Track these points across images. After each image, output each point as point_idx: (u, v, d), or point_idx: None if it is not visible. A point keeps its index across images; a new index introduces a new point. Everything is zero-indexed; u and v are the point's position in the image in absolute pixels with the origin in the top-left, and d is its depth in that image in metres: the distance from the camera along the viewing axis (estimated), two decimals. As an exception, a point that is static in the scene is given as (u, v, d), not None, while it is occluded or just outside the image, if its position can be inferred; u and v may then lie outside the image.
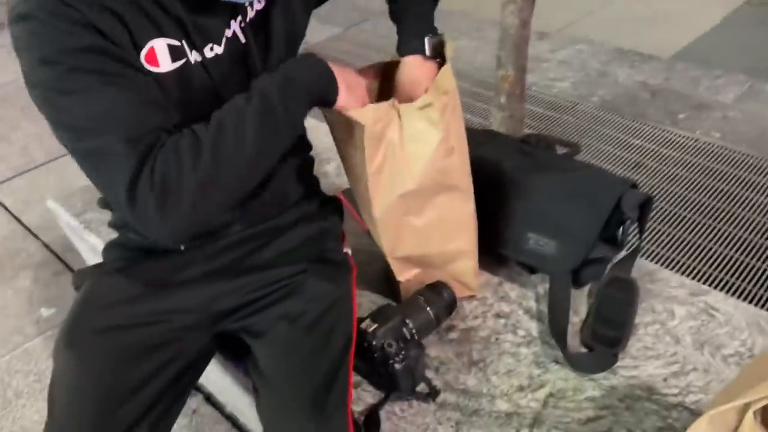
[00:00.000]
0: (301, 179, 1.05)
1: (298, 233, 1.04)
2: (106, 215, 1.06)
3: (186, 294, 0.97)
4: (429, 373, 1.07)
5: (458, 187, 1.05)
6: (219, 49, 0.86)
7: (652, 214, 1.23)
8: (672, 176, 2.08)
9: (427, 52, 1.00)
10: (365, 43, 3.19)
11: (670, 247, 1.80)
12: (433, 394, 1.02)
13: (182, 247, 0.97)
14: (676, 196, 1.99)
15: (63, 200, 1.63)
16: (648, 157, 2.18)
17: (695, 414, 0.97)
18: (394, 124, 0.94)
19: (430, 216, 1.05)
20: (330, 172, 1.63)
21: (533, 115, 2.45)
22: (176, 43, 0.82)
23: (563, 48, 2.97)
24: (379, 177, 0.97)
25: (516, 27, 1.73)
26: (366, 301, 1.22)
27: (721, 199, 1.97)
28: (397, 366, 0.98)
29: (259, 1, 0.90)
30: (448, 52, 1.00)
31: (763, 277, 1.69)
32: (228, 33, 0.87)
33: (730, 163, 2.11)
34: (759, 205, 1.92)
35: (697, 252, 1.79)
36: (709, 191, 2.00)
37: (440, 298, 1.11)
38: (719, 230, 1.85)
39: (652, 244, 1.81)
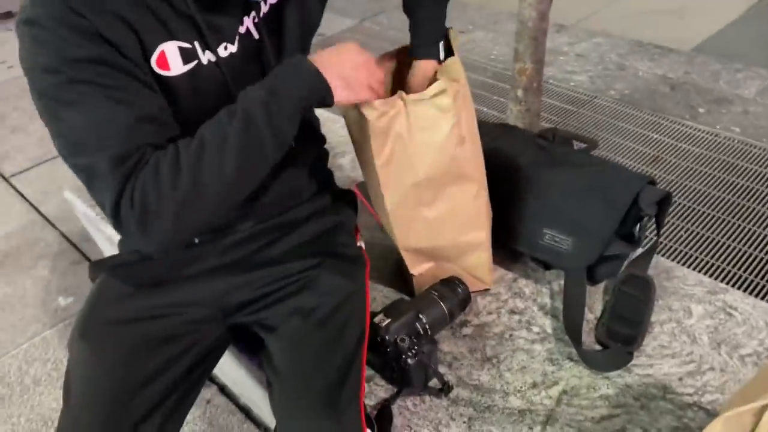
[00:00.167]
0: (314, 174, 1.05)
1: (312, 228, 1.04)
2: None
3: (199, 287, 0.97)
4: (442, 369, 1.07)
5: (470, 177, 1.04)
6: (233, 48, 0.85)
7: (670, 209, 1.21)
8: (691, 171, 2.05)
9: (441, 57, 0.99)
10: (380, 35, 3.18)
11: (688, 243, 1.78)
12: (445, 389, 1.02)
13: (196, 240, 0.97)
14: (695, 192, 1.96)
15: (80, 191, 1.64)
16: (667, 151, 2.15)
17: (711, 414, 0.95)
18: (400, 116, 0.93)
19: (442, 207, 1.04)
20: (345, 165, 1.63)
21: (550, 109, 2.42)
22: (187, 45, 0.81)
23: (581, 41, 2.94)
24: (388, 169, 0.97)
25: (534, 20, 1.71)
26: (380, 295, 1.22)
27: (740, 195, 1.94)
28: (410, 361, 0.98)
29: None
30: (455, 43, 1.00)
31: (783, 275, 1.67)
32: (241, 29, 0.86)
33: (750, 158, 2.08)
34: (779, 202, 1.89)
35: (716, 248, 1.76)
36: (728, 187, 1.97)
37: (454, 294, 1.10)
38: (738, 227, 1.82)
39: (670, 240, 1.79)
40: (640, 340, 1.07)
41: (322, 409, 0.87)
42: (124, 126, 0.74)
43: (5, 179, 2.41)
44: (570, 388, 1.02)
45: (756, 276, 1.67)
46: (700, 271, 1.67)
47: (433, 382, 1.03)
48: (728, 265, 1.71)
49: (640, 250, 1.19)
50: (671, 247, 1.77)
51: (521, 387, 1.03)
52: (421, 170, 0.98)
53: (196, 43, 0.82)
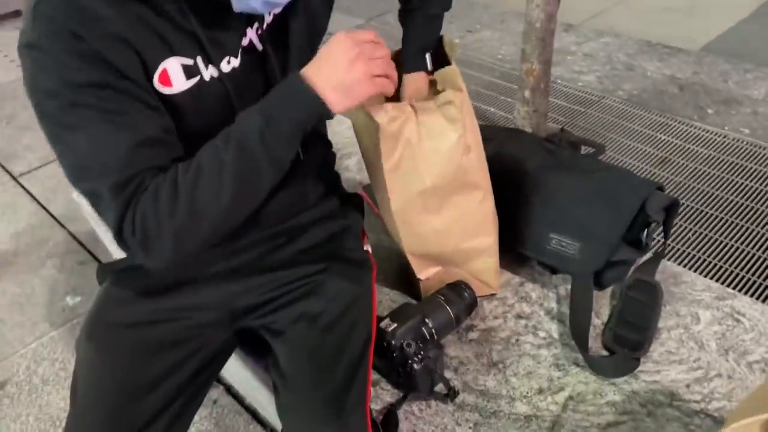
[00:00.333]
0: (321, 178, 1.05)
1: (318, 232, 1.04)
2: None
3: (205, 291, 0.97)
4: (448, 374, 1.07)
5: (476, 185, 1.04)
6: (236, 62, 0.84)
7: (678, 211, 1.21)
8: (699, 173, 2.04)
9: (429, 68, 1.01)
10: (387, 35, 3.15)
11: (696, 246, 1.77)
12: (451, 394, 1.02)
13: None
14: (704, 194, 1.95)
15: (88, 192, 1.65)
16: (675, 153, 2.14)
17: (718, 421, 0.95)
18: (411, 122, 0.93)
19: (448, 215, 1.05)
20: (351, 166, 1.63)
21: (558, 109, 2.41)
22: (189, 61, 0.80)
23: (589, 40, 2.92)
24: (396, 174, 0.97)
25: (542, 21, 1.71)
26: (386, 298, 1.22)
27: (749, 197, 1.92)
28: (416, 366, 0.98)
29: (277, 6, 0.85)
30: (452, 52, 1.01)
31: (792, 278, 1.66)
32: (244, 42, 0.85)
33: (758, 160, 2.07)
34: (789, 205, 1.88)
35: (724, 251, 1.75)
36: (737, 189, 1.96)
37: (461, 298, 1.10)
38: (747, 229, 1.81)
39: (678, 243, 1.78)
40: (647, 346, 1.07)
41: (328, 414, 0.87)
42: (125, 151, 0.75)
43: (14, 178, 2.42)
44: (576, 394, 1.02)
45: (765, 279, 1.66)
46: (708, 275, 1.66)
47: (439, 387, 1.03)
48: (736, 268, 1.70)
49: (647, 256, 1.19)
50: (679, 249, 1.76)
51: (527, 392, 1.03)
52: (427, 179, 0.98)
53: (199, 59, 0.81)
